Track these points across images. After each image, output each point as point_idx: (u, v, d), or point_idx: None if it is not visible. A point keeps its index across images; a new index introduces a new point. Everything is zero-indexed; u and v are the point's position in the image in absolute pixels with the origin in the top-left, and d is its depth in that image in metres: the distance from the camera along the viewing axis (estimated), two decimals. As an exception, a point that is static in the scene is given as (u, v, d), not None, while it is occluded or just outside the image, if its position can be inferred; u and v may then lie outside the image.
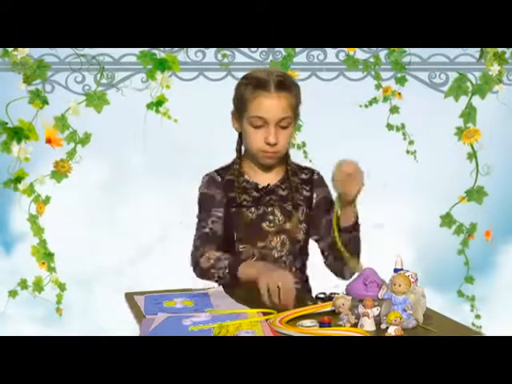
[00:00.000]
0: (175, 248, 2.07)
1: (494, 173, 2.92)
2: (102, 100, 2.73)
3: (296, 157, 2.73)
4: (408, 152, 2.93)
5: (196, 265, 1.90)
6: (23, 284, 2.83)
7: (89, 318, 2.91)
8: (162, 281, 2.25)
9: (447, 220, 2.97)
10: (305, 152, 2.91)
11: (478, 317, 3.02)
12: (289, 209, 1.97)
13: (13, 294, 2.83)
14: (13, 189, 2.74)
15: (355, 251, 1.93)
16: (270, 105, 1.88)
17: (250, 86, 1.90)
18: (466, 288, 3.04)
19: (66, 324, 2.89)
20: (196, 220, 2.00)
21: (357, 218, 1.92)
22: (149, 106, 2.76)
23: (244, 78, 1.96)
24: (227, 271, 1.84)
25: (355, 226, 1.92)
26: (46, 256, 2.81)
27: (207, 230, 1.94)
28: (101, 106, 2.73)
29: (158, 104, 2.76)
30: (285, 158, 2.01)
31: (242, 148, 2.01)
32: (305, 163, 2.13)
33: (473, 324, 3.00)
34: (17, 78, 2.69)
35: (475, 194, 2.95)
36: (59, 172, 2.77)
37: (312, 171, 2.06)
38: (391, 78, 2.87)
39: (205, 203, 1.99)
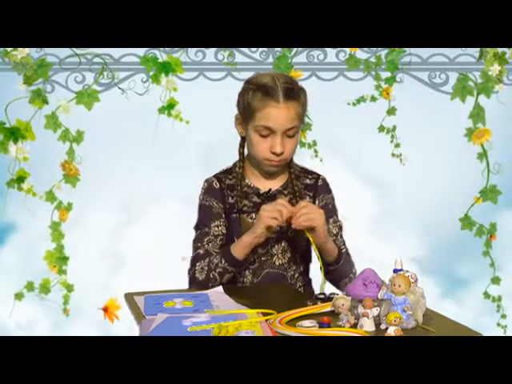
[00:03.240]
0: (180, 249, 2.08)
1: (504, 171, 2.92)
2: (93, 97, 2.73)
3: (306, 155, 2.75)
4: (393, 155, 2.93)
5: (193, 281, 1.91)
6: (30, 286, 2.83)
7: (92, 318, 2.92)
8: (165, 281, 2.26)
9: (466, 222, 2.96)
10: (316, 151, 2.90)
11: (503, 316, 3.02)
12: None
13: (19, 296, 2.84)
14: (17, 189, 2.74)
15: (345, 276, 1.95)
16: (279, 115, 1.84)
17: (258, 93, 1.85)
18: (491, 289, 3.04)
19: (73, 325, 2.91)
20: (194, 231, 2.01)
21: (338, 248, 1.93)
22: (161, 111, 2.76)
23: (250, 83, 1.91)
24: (225, 263, 1.85)
25: (339, 257, 1.92)
26: (59, 260, 2.82)
27: (202, 251, 1.94)
28: (91, 104, 2.73)
29: (169, 107, 2.76)
30: (288, 163, 1.99)
31: (245, 151, 2.00)
32: (315, 162, 2.12)
33: (498, 324, 3.00)
34: (16, 78, 2.68)
35: (489, 194, 2.94)
36: (69, 175, 2.77)
37: (317, 176, 2.04)
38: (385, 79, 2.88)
39: (203, 215, 1.98)
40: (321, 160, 2.84)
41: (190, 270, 1.94)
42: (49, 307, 2.86)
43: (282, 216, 1.78)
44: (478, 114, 2.88)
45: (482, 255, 2.99)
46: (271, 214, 1.78)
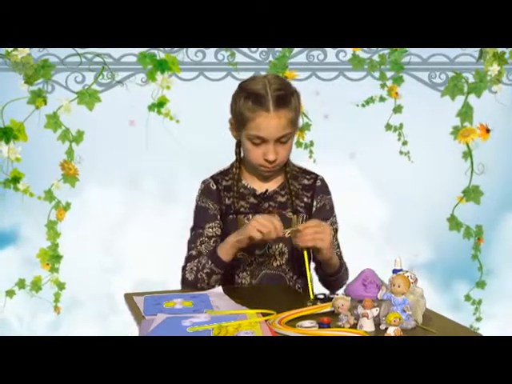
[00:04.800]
0: (176, 250, 2.07)
1: (488, 171, 2.91)
2: (94, 97, 2.73)
3: (302, 155, 2.74)
4: (401, 153, 2.93)
5: (184, 282, 1.92)
6: (21, 284, 2.84)
7: (88, 317, 2.92)
8: (163, 282, 2.26)
9: (453, 223, 2.96)
10: (311, 151, 2.88)
11: (478, 319, 3.02)
12: (288, 215, 1.94)
13: (10, 293, 2.84)
14: (13, 189, 2.75)
15: (341, 283, 1.95)
16: (270, 124, 1.83)
17: (249, 102, 1.84)
18: (474, 292, 3.02)
19: (66, 323, 2.91)
20: (189, 232, 2.00)
21: (340, 261, 1.93)
22: (150, 108, 2.76)
23: (242, 89, 1.90)
24: (211, 264, 1.85)
25: (340, 269, 1.93)
26: (52, 258, 2.82)
27: (194, 252, 1.94)
28: (92, 104, 2.73)
29: (159, 105, 2.76)
30: (284, 164, 1.98)
31: (241, 152, 1.99)
32: (309, 163, 2.11)
33: (471, 326, 2.99)
34: (15, 78, 2.68)
35: (472, 194, 2.94)
36: (68, 175, 2.77)
37: (316, 177, 2.03)
38: (392, 78, 2.87)
39: (199, 217, 1.98)
40: (314, 161, 2.83)
41: (182, 270, 1.95)
42: (41, 305, 2.86)
43: (269, 234, 1.76)
44: (466, 112, 2.87)
45: (471, 258, 2.99)
46: (258, 226, 1.76)
